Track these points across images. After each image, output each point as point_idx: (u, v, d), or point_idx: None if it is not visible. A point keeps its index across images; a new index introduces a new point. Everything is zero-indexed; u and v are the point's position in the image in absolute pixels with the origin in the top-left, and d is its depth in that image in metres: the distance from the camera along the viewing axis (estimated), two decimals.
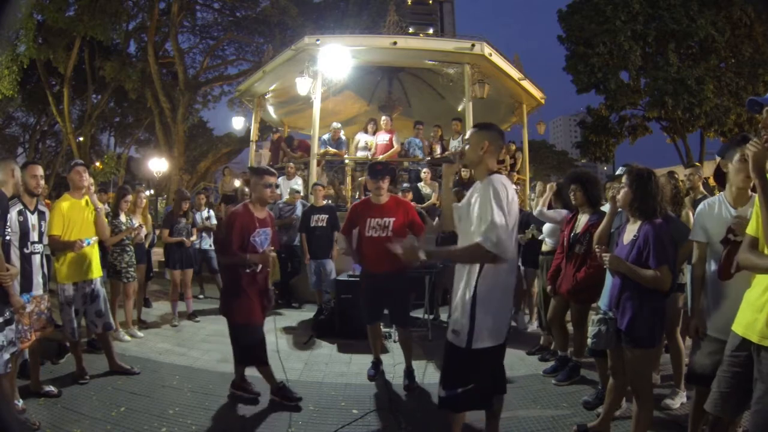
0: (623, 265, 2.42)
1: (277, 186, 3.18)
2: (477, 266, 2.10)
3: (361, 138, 8.32)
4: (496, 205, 2.02)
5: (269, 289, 3.33)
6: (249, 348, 3.23)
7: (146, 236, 5.28)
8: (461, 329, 2.11)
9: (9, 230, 2.75)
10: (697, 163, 7.24)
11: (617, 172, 3.44)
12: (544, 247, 4.50)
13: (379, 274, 3.60)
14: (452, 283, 2.30)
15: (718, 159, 2.42)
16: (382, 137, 8.06)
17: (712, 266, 2.36)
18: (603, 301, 2.70)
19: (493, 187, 2.07)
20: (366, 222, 3.68)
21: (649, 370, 2.46)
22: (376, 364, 3.92)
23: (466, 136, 2.38)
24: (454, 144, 7.98)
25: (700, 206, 2.51)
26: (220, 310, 3.42)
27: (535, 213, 4.40)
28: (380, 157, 7.78)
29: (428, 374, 3.84)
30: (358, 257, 3.85)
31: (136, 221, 4.94)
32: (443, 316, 5.47)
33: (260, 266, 3.19)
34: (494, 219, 2.00)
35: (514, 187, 2.23)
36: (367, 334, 3.90)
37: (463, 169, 7.05)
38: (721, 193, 2.42)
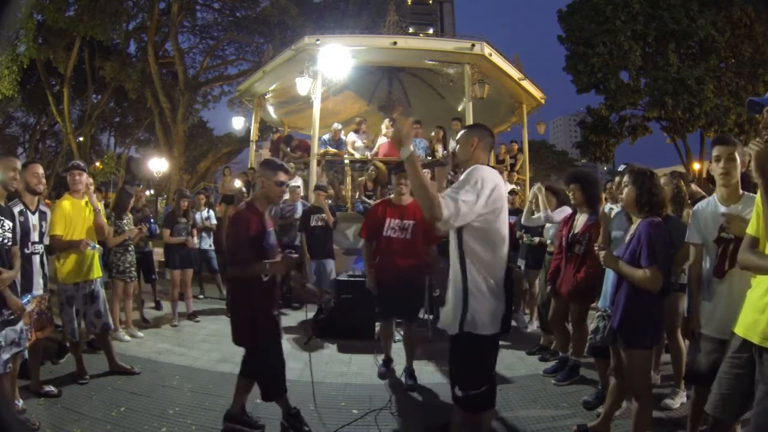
0: (615, 263, 2.45)
1: (288, 185, 2.87)
2: (466, 259, 2.13)
3: (356, 139, 8.24)
4: (471, 185, 2.06)
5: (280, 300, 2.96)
6: (268, 374, 2.83)
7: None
8: (454, 315, 2.15)
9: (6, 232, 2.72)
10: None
11: (619, 168, 3.43)
12: (551, 248, 4.46)
13: (397, 269, 3.60)
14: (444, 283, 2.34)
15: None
16: (383, 137, 8.02)
17: (708, 266, 2.37)
18: (603, 300, 2.72)
19: (476, 172, 2.12)
20: (386, 222, 3.69)
21: (646, 371, 2.45)
22: (387, 362, 3.89)
23: (457, 138, 2.47)
24: (453, 145, 7.94)
25: (694, 208, 2.56)
26: (234, 339, 2.83)
27: (542, 218, 4.33)
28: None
29: (428, 374, 3.86)
30: (372, 279, 3.77)
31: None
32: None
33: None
34: (463, 190, 2.03)
35: (511, 186, 2.27)
36: (378, 333, 3.87)
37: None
38: (714, 194, 2.45)
